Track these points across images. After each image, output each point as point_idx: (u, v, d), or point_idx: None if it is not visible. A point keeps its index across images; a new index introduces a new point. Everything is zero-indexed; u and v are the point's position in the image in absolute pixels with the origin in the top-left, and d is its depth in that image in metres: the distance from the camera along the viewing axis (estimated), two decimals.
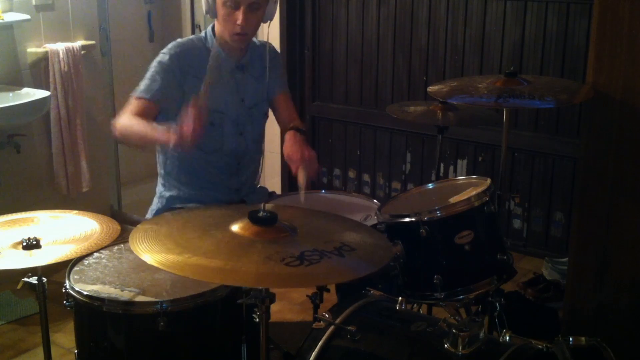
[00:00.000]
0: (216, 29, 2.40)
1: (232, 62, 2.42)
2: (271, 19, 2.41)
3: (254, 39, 2.53)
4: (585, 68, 2.98)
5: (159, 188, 2.51)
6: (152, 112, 2.28)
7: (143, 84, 2.30)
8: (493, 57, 3.86)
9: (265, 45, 2.51)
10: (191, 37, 2.48)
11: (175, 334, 1.94)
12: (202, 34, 2.44)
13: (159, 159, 2.49)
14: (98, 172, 4.00)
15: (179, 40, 2.41)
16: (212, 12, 2.35)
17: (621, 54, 2.45)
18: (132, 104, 2.27)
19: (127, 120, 2.22)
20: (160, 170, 2.50)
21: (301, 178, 2.18)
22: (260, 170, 2.64)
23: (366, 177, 4.47)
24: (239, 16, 2.26)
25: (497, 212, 2.23)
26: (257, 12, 2.31)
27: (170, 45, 2.37)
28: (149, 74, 2.32)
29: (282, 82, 2.59)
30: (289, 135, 2.35)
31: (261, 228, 1.72)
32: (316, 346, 1.88)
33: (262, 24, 2.41)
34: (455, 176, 3.99)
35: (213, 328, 2.03)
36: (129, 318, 1.95)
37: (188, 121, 1.98)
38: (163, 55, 2.34)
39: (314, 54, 4.50)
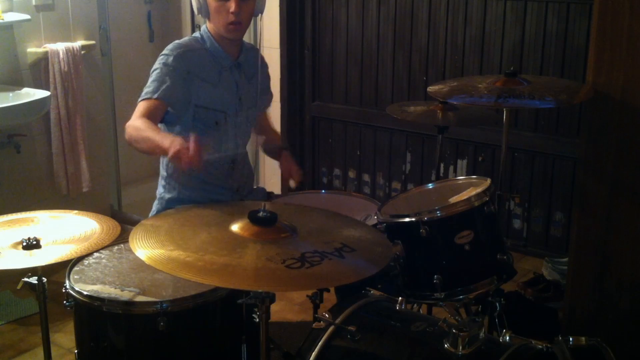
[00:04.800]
0: (210, 27, 2.41)
1: (230, 60, 2.42)
2: (262, 12, 2.45)
3: (244, 41, 2.53)
4: (585, 68, 2.98)
5: (160, 190, 2.51)
6: (159, 111, 2.26)
7: (151, 86, 2.28)
8: (493, 57, 3.86)
9: (255, 48, 2.57)
10: (188, 38, 2.47)
11: (175, 334, 1.94)
12: (197, 34, 2.44)
13: (163, 160, 2.49)
14: (98, 172, 4.00)
15: (177, 41, 2.40)
16: (203, 10, 2.36)
17: (621, 54, 2.45)
18: (141, 107, 2.25)
19: (136, 123, 2.20)
20: (162, 172, 2.50)
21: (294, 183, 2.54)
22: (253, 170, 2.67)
23: (366, 177, 4.47)
24: (232, 5, 2.30)
25: (497, 212, 2.23)
26: (249, 1, 2.34)
27: (171, 47, 2.36)
28: (154, 76, 2.30)
29: (269, 96, 2.68)
30: (286, 156, 2.57)
31: (261, 228, 1.72)
32: (316, 346, 1.88)
33: (259, 21, 2.45)
34: (455, 176, 3.99)
35: (213, 328, 2.03)
36: (129, 318, 1.95)
37: (192, 145, 1.96)
38: (166, 57, 2.32)
39: (314, 54, 4.50)
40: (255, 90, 2.53)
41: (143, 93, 2.28)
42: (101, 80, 4.10)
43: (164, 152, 2.02)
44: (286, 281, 1.56)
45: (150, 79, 2.30)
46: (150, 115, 2.22)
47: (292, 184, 2.51)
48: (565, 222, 3.81)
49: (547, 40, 3.70)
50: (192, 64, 2.34)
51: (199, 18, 4.71)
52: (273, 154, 2.65)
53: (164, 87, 2.26)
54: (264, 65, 2.62)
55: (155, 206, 2.51)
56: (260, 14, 2.45)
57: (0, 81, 3.48)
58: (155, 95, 2.25)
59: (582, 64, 3.50)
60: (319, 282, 1.78)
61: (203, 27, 2.44)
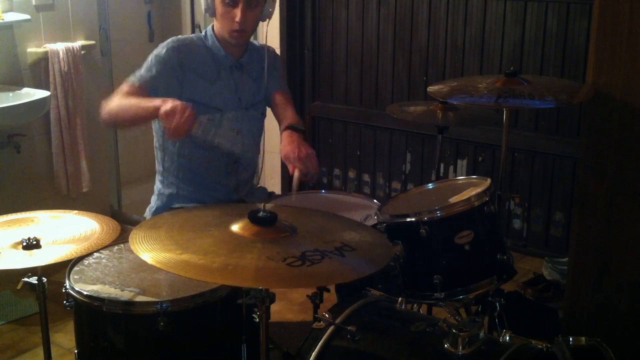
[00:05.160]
0: (215, 27, 2.42)
1: (231, 61, 2.43)
2: (269, 18, 2.43)
3: (254, 41, 2.54)
4: (585, 68, 2.98)
5: (157, 185, 2.52)
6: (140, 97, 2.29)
7: (137, 73, 2.33)
8: (493, 57, 3.86)
9: (265, 47, 2.52)
10: (191, 35, 2.49)
11: (175, 334, 1.94)
12: (203, 33, 2.45)
13: (157, 155, 2.50)
14: (98, 172, 4.00)
15: (179, 36, 2.43)
16: (210, 10, 2.37)
17: (621, 54, 2.45)
18: (122, 89, 2.29)
19: (116, 99, 2.24)
20: (158, 167, 2.51)
21: (296, 179, 2.18)
22: (260, 170, 2.64)
23: (366, 177, 4.47)
24: (237, 13, 2.30)
25: (497, 212, 2.23)
26: (255, 10, 2.34)
27: (168, 40, 2.39)
28: (145, 65, 2.35)
29: (280, 80, 2.61)
30: (285, 135, 2.33)
31: (261, 228, 1.72)
32: (316, 346, 1.88)
33: (261, 23, 2.45)
34: (455, 176, 3.99)
35: (213, 328, 2.03)
36: (129, 318, 1.95)
37: (188, 112, 1.99)
38: (160, 49, 2.36)
39: (314, 54, 4.50)
40: (260, 90, 2.53)
41: (130, 77, 2.32)
42: (101, 80, 4.10)
43: (154, 110, 2.05)
44: (287, 279, 1.56)
45: (142, 67, 2.35)
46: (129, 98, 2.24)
47: (295, 179, 2.19)
48: (565, 222, 3.81)
49: (547, 40, 3.70)
50: (187, 58, 2.35)
51: (199, 18, 4.73)
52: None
53: (148, 76, 2.31)
54: (276, 58, 2.61)
55: (154, 201, 2.51)
56: (268, 20, 2.44)
57: (0, 81, 3.48)
58: (139, 83, 2.29)
59: (582, 64, 3.50)
60: (319, 280, 1.77)
61: (209, 27, 2.45)
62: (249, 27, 2.36)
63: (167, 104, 2.01)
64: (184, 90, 2.35)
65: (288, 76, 4.48)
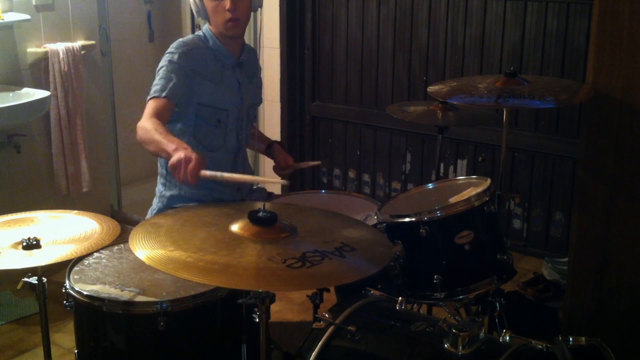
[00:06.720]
0: (211, 28, 2.42)
1: (233, 59, 2.44)
2: (260, 6, 2.47)
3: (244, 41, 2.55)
4: (585, 68, 2.99)
5: (159, 188, 2.51)
6: (168, 109, 2.27)
7: (158, 84, 2.29)
8: (493, 57, 3.86)
9: (254, 49, 2.60)
10: (191, 36, 2.49)
11: (175, 334, 1.94)
12: (200, 33, 2.45)
13: (160, 159, 2.49)
14: (98, 172, 4.00)
15: (182, 39, 2.42)
16: (202, 12, 2.38)
17: (621, 54, 2.45)
18: (150, 106, 2.26)
19: (145, 124, 2.19)
20: (161, 169, 2.50)
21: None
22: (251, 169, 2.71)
23: (366, 177, 4.47)
24: (227, 3, 2.32)
25: (497, 212, 2.23)
26: None
27: (175, 44, 2.37)
28: (162, 74, 2.31)
29: (261, 89, 2.70)
30: (280, 148, 2.68)
31: (261, 228, 1.72)
32: (316, 346, 1.88)
33: (258, 15, 2.49)
34: (455, 176, 3.99)
35: (213, 328, 2.03)
36: (129, 318, 1.95)
37: (193, 164, 1.95)
38: (171, 55, 2.34)
39: (314, 54, 4.50)
40: (255, 89, 2.55)
41: (152, 91, 2.30)
42: (101, 80, 4.09)
43: (168, 156, 2.03)
44: (288, 281, 1.56)
45: (158, 77, 2.32)
46: (159, 115, 2.23)
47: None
48: (565, 222, 3.81)
49: (547, 40, 3.70)
50: (196, 62, 2.35)
51: (199, 18, 4.73)
52: (261, 150, 2.71)
53: (170, 85, 2.28)
54: (259, 68, 2.67)
55: (155, 204, 2.51)
56: (259, 8, 2.47)
57: (0, 81, 3.48)
58: (164, 94, 2.27)
59: (582, 64, 3.50)
60: (320, 282, 1.78)
61: (205, 27, 2.45)
62: (241, 15, 2.36)
63: (176, 155, 1.97)
64: (195, 94, 2.35)
65: (288, 76, 4.49)
